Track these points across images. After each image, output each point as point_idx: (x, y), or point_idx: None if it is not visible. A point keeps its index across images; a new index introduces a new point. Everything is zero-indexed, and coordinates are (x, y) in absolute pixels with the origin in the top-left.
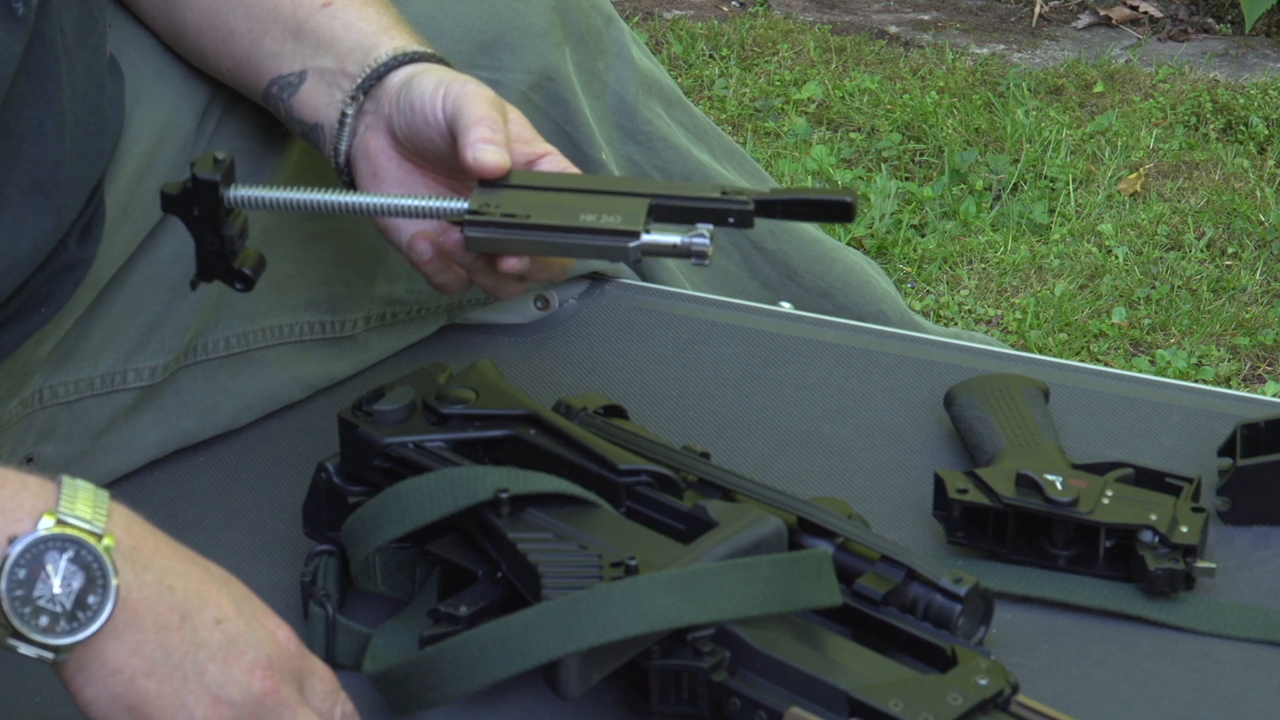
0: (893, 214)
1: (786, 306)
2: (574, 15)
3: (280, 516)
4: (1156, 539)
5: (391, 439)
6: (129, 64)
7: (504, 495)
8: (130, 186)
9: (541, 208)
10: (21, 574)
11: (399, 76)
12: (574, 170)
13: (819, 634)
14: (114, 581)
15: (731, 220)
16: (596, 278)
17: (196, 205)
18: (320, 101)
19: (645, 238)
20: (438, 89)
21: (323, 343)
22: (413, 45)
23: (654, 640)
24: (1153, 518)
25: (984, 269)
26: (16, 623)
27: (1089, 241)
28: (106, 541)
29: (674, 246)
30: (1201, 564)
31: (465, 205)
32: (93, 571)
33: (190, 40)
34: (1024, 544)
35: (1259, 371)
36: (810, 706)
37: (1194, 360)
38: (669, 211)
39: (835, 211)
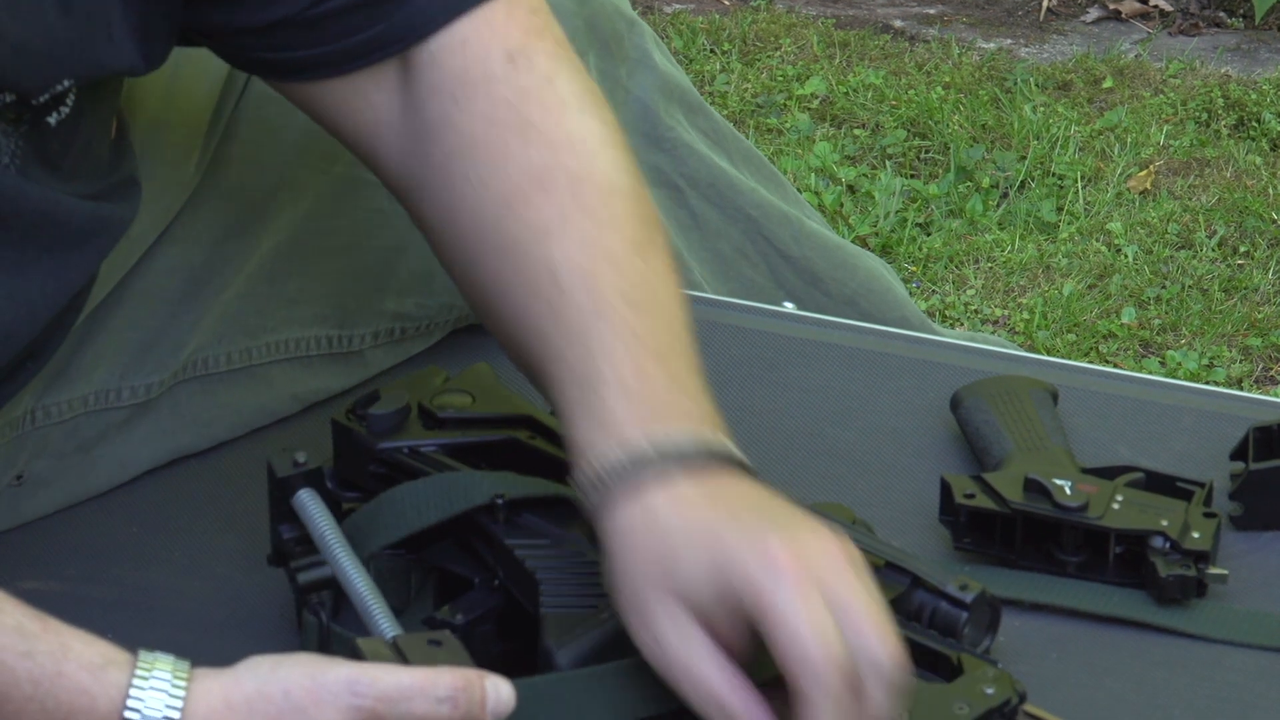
0: (898, 212)
1: (790, 307)
2: (598, 21)
3: None
4: (1167, 545)
5: (386, 443)
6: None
7: (500, 500)
8: None
9: None
10: None
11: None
12: None
13: None
14: None
15: None
16: None
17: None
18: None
19: None
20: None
21: (327, 358)
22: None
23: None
24: (1164, 523)
25: (991, 268)
26: None
27: (1098, 240)
28: None
29: None
30: (1213, 570)
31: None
32: None
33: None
34: (1032, 550)
35: (1271, 373)
36: None
37: (1205, 361)
38: None
39: None
